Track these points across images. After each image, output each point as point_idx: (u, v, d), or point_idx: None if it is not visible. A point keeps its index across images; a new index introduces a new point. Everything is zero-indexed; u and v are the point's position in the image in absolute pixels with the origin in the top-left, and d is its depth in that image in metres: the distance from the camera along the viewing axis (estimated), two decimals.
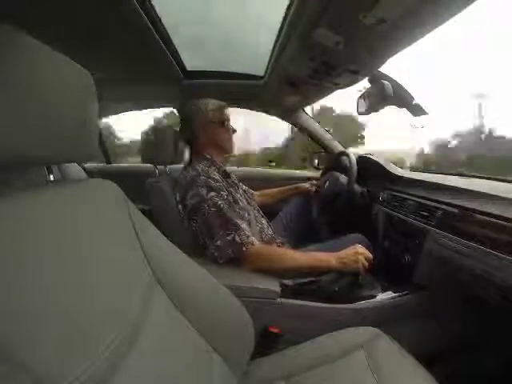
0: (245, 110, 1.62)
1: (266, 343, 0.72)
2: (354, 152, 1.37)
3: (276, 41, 0.90)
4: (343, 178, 1.26)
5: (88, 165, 1.89)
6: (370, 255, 0.81)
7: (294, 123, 1.67)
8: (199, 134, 0.99)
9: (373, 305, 0.81)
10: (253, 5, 0.84)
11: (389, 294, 0.85)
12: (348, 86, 1.10)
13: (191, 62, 1.17)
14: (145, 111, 1.79)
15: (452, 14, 0.61)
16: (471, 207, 0.74)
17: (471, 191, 0.79)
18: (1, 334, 0.24)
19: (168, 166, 1.16)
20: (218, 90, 1.36)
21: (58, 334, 0.28)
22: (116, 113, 1.74)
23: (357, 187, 1.23)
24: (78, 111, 0.39)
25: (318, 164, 1.91)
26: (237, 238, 0.78)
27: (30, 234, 0.31)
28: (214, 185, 0.85)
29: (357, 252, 0.80)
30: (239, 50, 1.10)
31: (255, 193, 1.35)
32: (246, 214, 0.91)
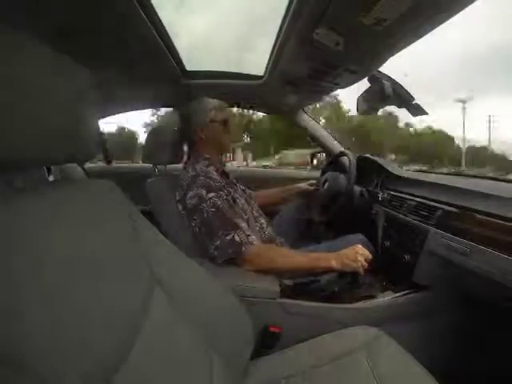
0: None
1: (266, 343, 0.72)
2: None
3: (276, 41, 0.90)
4: (343, 178, 1.26)
5: (88, 165, 1.89)
6: (370, 255, 0.81)
7: (294, 123, 1.68)
8: (200, 134, 0.99)
9: (373, 305, 0.81)
10: (253, 5, 0.84)
11: (389, 294, 0.85)
12: (348, 85, 1.10)
13: (191, 62, 1.17)
14: None
15: (452, 14, 0.61)
16: (471, 207, 0.74)
17: (471, 191, 0.79)
18: (1, 335, 0.24)
19: (168, 166, 1.16)
20: (217, 90, 1.36)
21: (58, 333, 0.28)
22: (116, 113, 1.73)
23: (357, 187, 1.23)
24: (78, 111, 0.39)
25: (318, 164, 1.91)
26: (236, 238, 0.78)
27: (30, 235, 0.31)
28: (213, 185, 0.85)
29: (356, 252, 0.79)
30: (239, 50, 1.10)
31: (254, 193, 1.34)
32: (245, 214, 0.91)
